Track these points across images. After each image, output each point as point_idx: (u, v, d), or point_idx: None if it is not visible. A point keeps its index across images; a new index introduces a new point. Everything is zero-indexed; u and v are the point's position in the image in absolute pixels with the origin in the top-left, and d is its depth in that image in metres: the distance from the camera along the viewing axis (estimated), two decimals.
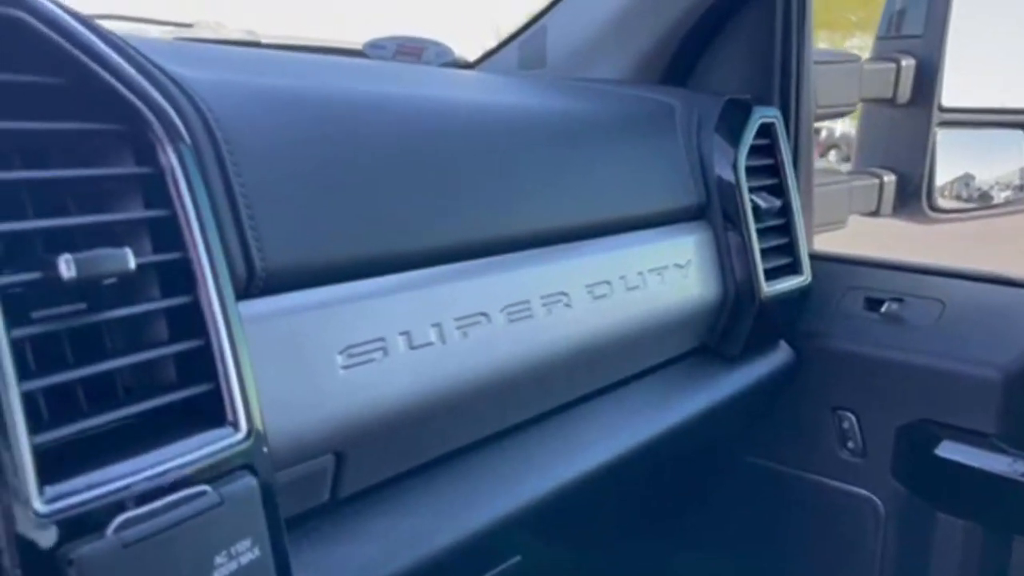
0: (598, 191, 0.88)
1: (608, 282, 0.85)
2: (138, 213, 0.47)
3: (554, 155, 0.85)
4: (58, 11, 0.46)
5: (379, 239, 0.65)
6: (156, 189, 0.48)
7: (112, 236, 0.46)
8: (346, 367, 0.60)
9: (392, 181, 0.67)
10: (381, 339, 0.63)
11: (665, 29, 1.17)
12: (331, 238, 0.61)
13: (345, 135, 0.66)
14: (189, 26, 1.22)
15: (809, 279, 1.11)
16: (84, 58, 0.46)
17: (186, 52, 0.74)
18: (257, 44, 1.27)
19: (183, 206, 0.48)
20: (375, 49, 1.32)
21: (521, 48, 1.32)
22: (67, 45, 0.45)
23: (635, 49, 1.20)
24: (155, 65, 0.55)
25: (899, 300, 1.13)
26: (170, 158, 0.48)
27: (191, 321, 0.48)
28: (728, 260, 1.01)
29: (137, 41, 0.62)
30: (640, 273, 0.89)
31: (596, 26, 1.22)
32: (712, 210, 1.02)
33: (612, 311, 0.85)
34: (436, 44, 1.38)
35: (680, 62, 1.22)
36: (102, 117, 0.47)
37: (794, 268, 1.09)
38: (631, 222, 0.91)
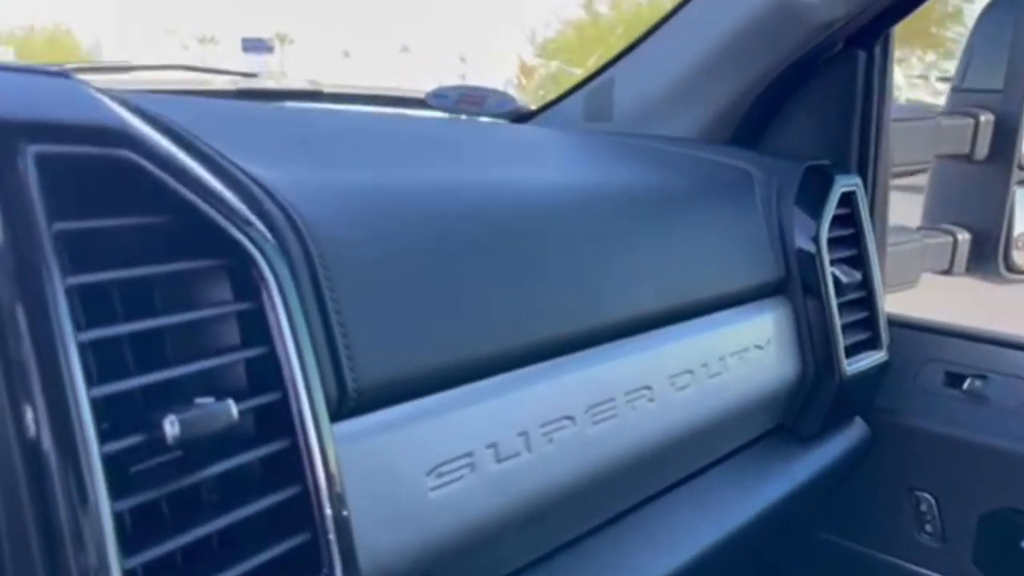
0: (679, 271, 0.85)
1: (691, 371, 0.81)
2: (238, 355, 0.45)
3: (635, 234, 0.81)
4: (170, 149, 0.44)
5: (466, 344, 0.62)
6: (255, 324, 0.45)
7: (209, 376, 0.44)
8: (435, 488, 0.57)
9: (477, 280, 0.64)
10: (469, 454, 0.60)
11: (741, 89, 1.13)
12: (420, 348, 0.58)
13: (430, 234, 0.63)
14: (254, 76, 1.21)
15: (888, 354, 1.07)
16: (191, 196, 0.44)
17: (265, 134, 0.71)
18: (319, 94, 1.26)
19: (284, 343, 0.45)
20: (438, 99, 1.30)
21: (587, 99, 1.29)
22: (175, 184, 0.43)
23: (708, 108, 1.16)
24: (247, 174, 0.53)
25: (982, 377, 1.07)
26: (272, 294, 0.46)
27: (288, 465, 0.45)
28: (808, 337, 0.97)
29: (209, 118, 0.60)
30: (722, 358, 0.86)
31: (667, 82, 1.18)
32: (792, 285, 0.98)
33: (694, 401, 0.81)
34: (497, 93, 1.36)
35: (752, 121, 1.18)
36: (205, 253, 0.45)
37: (874, 343, 1.05)
38: (711, 303, 0.88)
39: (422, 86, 1.30)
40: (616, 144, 1.11)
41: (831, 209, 1.00)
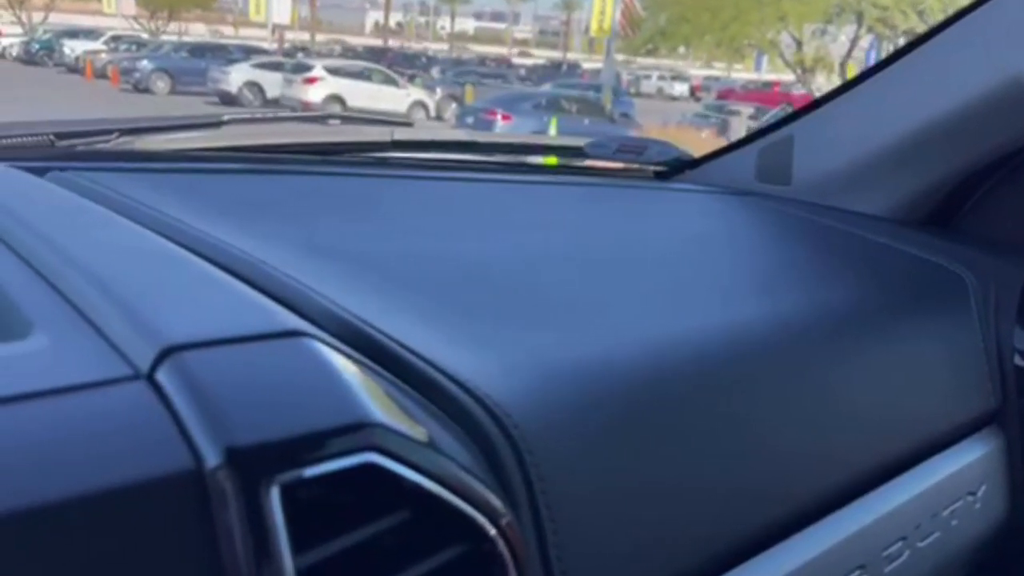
0: (891, 414, 0.75)
1: (904, 537, 0.72)
2: None
3: (842, 369, 0.72)
4: (408, 434, 0.38)
5: (672, 551, 0.55)
6: None
7: None
8: None
9: (681, 467, 0.57)
10: None
11: (955, 168, 1.00)
12: (627, 566, 0.52)
13: (642, 423, 0.56)
14: (409, 125, 1.15)
15: None
16: (438, 488, 0.38)
17: (440, 276, 0.65)
18: (474, 144, 1.19)
19: None
20: (596, 148, 1.22)
21: (761, 157, 1.18)
22: (421, 479, 0.37)
23: (909, 184, 1.04)
24: (460, 384, 0.47)
25: None
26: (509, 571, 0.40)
27: None
28: (1021, 474, 0.86)
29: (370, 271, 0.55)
30: (935, 515, 0.76)
31: (862, 151, 1.06)
32: (1007, 415, 0.87)
33: (908, 570, 0.72)
34: (658, 143, 1.26)
35: (953, 201, 1.06)
36: (448, 542, 0.39)
37: None
38: (924, 448, 0.78)
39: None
40: (804, 227, 1.00)
41: None
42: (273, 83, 17.77)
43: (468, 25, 66.20)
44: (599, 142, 1.22)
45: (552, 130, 11.86)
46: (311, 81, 16.87)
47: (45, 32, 27.79)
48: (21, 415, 0.32)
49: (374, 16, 60.90)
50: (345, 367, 0.40)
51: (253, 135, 1.06)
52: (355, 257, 0.64)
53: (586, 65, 35.77)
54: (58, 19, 33.08)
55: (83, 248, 0.47)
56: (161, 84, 19.28)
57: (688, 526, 0.56)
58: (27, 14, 32.35)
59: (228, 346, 0.37)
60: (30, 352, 0.36)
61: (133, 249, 0.50)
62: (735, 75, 37.43)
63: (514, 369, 0.52)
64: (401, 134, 1.11)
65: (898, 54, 1.04)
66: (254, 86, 18.27)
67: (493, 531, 0.40)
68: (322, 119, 1.20)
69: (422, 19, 61.42)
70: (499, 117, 12.78)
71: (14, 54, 25.79)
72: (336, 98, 16.45)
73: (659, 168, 1.25)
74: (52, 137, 0.92)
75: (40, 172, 0.72)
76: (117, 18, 32.69)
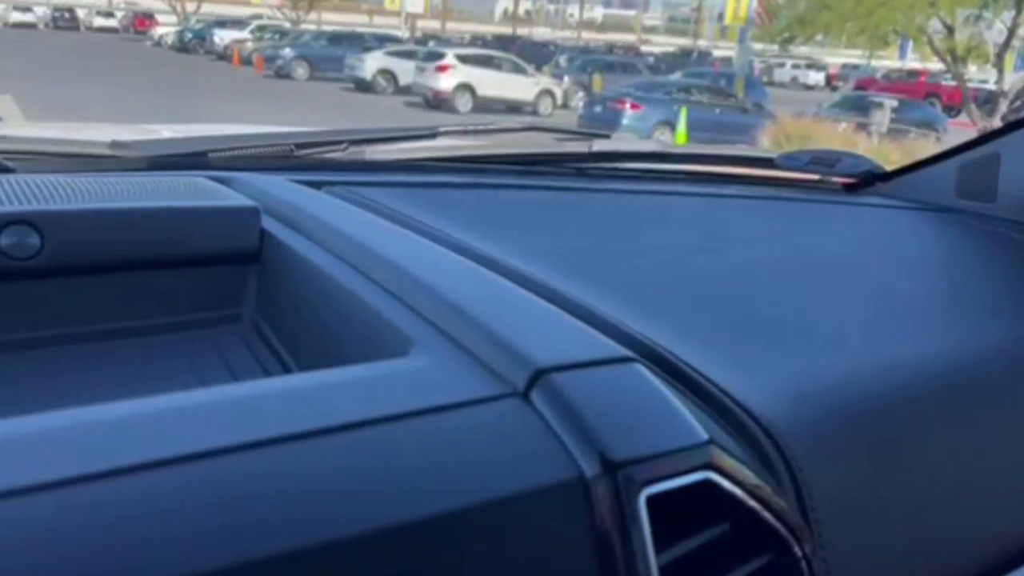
0: None
1: None
2: None
3: None
4: (737, 463, 0.43)
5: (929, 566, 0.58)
6: None
7: None
8: None
9: (930, 485, 0.60)
10: None
11: None
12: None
13: (885, 443, 0.58)
14: (606, 137, 1.19)
15: None
16: (755, 504, 0.43)
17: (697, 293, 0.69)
18: (671, 156, 1.23)
19: None
20: (788, 160, 1.23)
21: (962, 172, 1.16)
22: (743, 495, 0.42)
23: None
24: (746, 410, 0.51)
25: None
26: None
27: None
28: None
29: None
30: None
31: None
32: None
33: None
34: (851, 155, 1.26)
35: None
36: (760, 552, 0.44)
37: None
38: None
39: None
40: (1014, 247, 0.99)
41: None
42: (405, 71, 18.26)
43: (596, 12, 65.79)
44: (791, 154, 1.23)
45: (682, 120, 11.68)
46: (442, 69, 17.21)
47: (198, 22, 29.55)
48: (422, 428, 0.39)
49: (504, 4, 61.45)
50: (668, 390, 0.45)
51: (463, 147, 1.13)
52: (613, 277, 0.69)
53: (717, 53, 34.90)
54: (208, 9, 35.08)
55: (414, 265, 0.54)
56: (301, 71, 20.20)
57: (943, 538, 0.59)
58: (181, 4, 34.46)
59: (583, 369, 0.43)
60: (414, 370, 0.43)
61: (454, 269, 0.57)
62: (875, 63, 35.66)
63: (782, 392, 0.56)
64: (599, 145, 1.16)
65: None
66: (387, 73, 18.83)
67: (796, 547, 0.45)
68: (520, 131, 1.27)
69: (551, 7, 61.50)
70: (628, 106, 12.67)
71: (169, 43, 27.57)
72: (466, 86, 16.75)
73: (849, 180, 1.25)
74: (292, 147, 1.02)
75: (316, 186, 0.81)
76: (262, 7, 34.36)
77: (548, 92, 17.81)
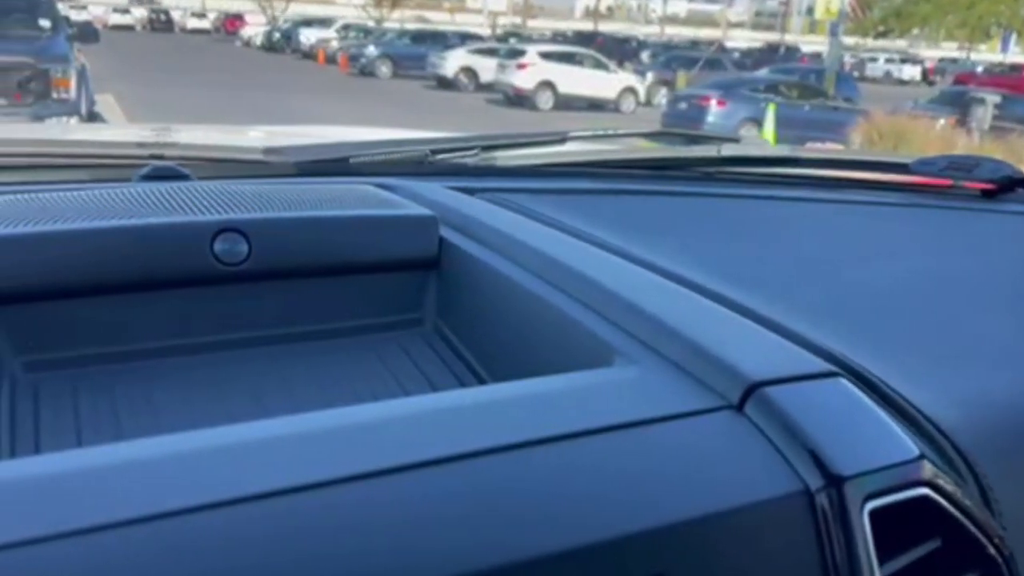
0: None
1: None
2: None
3: None
4: (948, 479, 0.43)
5: None
6: None
7: None
8: None
9: None
10: None
11: None
12: None
13: None
14: (736, 141, 1.18)
15: None
16: (964, 520, 0.42)
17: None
18: (798, 160, 1.21)
19: None
20: (923, 165, 1.19)
21: None
22: (954, 511, 0.42)
23: None
24: (931, 421, 0.51)
25: None
26: None
27: None
28: None
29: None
30: None
31: None
32: None
33: None
34: (990, 160, 1.21)
35: None
36: (968, 567, 0.43)
37: None
38: None
39: None
40: None
41: None
42: (486, 68, 18.39)
43: (680, 7, 64.85)
44: (926, 159, 1.19)
45: (769, 116, 11.41)
46: (523, 67, 17.25)
47: (286, 22, 30.38)
48: (646, 437, 0.40)
49: (585, 0, 61.21)
50: (873, 405, 0.45)
51: (592, 151, 1.14)
52: (780, 288, 0.69)
53: (804, 48, 33.99)
54: (295, 9, 36.01)
55: (600, 275, 0.55)
56: (384, 69, 20.56)
57: None
58: (270, 4, 35.47)
59: (795, 384, 0.43)
60: (623, 381, 0.44)
61: (641, 279, 0.57)
62: (974, 56, 34.14)
63: (964, 408, 0.55)
64: (729, 149, 1.15)
65: None
66: (469, 71, 19.00)
67: (1004, 568, 0.44)
68: (650, 135, 1.27)
69: (634, 2, 60.93)
70: (714, 103, 12.45)
71: (257, 43, 28.44)
72: (547, 84, 16.74)
73: (987, 186, 1.21)
74: (428, 152, 1.04)
75: (469, 192, 0.83)
76: (347, 7, 35.05)
77: (631, 89, 17.66)
